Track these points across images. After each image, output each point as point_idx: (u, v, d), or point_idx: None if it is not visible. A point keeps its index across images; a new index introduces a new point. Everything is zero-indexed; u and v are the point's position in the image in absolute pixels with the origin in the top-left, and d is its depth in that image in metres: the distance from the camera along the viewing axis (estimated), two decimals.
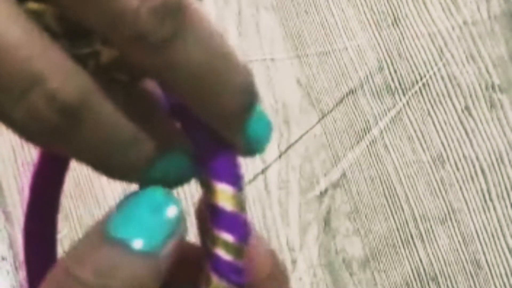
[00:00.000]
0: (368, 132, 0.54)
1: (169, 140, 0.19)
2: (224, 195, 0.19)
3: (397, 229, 0.53)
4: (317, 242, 0.52)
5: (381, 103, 0.55)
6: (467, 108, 0.55)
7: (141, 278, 0.17)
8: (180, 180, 0.19)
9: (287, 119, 0.54)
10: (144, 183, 0.19)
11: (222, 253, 0.18)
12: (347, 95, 0.55)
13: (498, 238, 0.53)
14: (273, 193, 0.52)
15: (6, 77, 0.16)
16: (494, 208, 0.53)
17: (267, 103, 0.54)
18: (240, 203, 0.19)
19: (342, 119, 0.54)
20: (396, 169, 0.54)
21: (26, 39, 0.16)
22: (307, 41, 0.55)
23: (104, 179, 0.53)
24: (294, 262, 0.51)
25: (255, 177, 0.52)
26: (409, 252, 0.53)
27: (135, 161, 0.18)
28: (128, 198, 0.19)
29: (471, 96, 0.55)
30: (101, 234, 0.18)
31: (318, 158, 0.53)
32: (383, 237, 0.53)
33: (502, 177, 0.54)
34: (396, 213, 0.53)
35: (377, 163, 0.54)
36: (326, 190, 0.53)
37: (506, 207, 0.53)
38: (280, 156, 0.53)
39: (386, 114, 0.54)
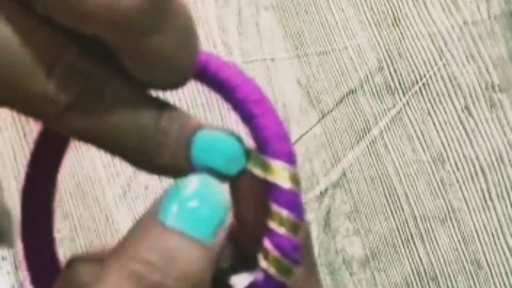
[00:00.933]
0: (368, 132, 0.54)
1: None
2: (282, 172, 0.19)
3: (397, 229, 0.53)
4: (317, 242, 0.52)
5: (381, 103, 0.55)
6: (467, 108, 0.55)
7: (197, 267, 0.18)
8: (231, 159, 0.20)
9: (287, 119, 0.54)
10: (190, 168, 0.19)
11: (282, 230, 0.19)
12: (347, 95, 0.55)
13: (498, 238, 0.53)
14: None
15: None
16: (494, 208, 0.53)
17: None
18: (297, 181, 0.19)
19: (342, 119, 0.54)
20: (396, 169, 0.54)
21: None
22: (307, 41, 0.55)
23: (104, 180, 0.53)
24: None
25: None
26: (409, 252, 0.53)
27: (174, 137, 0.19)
28: (177, 186, 0.19)
29: (471, 96, 0.55)
30: (161, 223, 0.18)
31: (318, 158, 0.53)
32: (383, 237, 0.53)
33: (502, 177, 0.54)
34: (396, 213, 0.53)
35: (377, 163, 0.54)
36: (326, 190, 0.53)
37: (506, 207, 0.53)
38: None
39: (386, 114, 0.54)
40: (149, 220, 0.18)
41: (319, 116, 0.54)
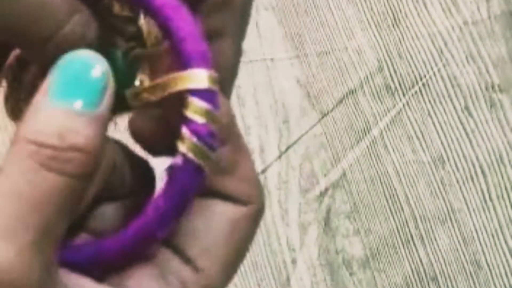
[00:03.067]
0: (368, 132, 0.54)
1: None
2: (198, 74, 0.21)
3: (397, 229, 0.53)
4: (317, 242, 0.52)
5: (381, 103, 0.55)
6: (467, 108, 0.55)
7: (94, 135, 0.19)
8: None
9: (287, 119, 0.54)
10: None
11: (197, 118, 0.20)
12: (347, 95, 0.55)
13: (498, 238, 0.53)
14: (273, 193, 0.52)
15: None
16: (494, 208, 0.53)
17: (267, 103, 0.54)
18: (212, 78, 0.21)
19: (342, 119, 0.54)
20: (396, 169, 0.54)
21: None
22: (307, 41, 0.55)
23: None
24: (294, 262, 0.51)
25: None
26: (409, 252, 0.52)
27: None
28: (60, 64, 0.20)
29: (471, 96, 0.55)
30: (48, 103, 0.19)
31: (318, 158, 0.53)
32: (383, 237, 0.53)
33: (502, 177, 0.54)
34: (396, 213, 0.53)
35: (377, 163, 0.54)
36: (326, 190, 0.53)
37: (506, 207, 0.53)
38: (280, 156, 0.53)
39: (386, 114, 0.54)
40: (35, 102, 0.20)
41: (319, 116, 0.54)
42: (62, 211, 0.19)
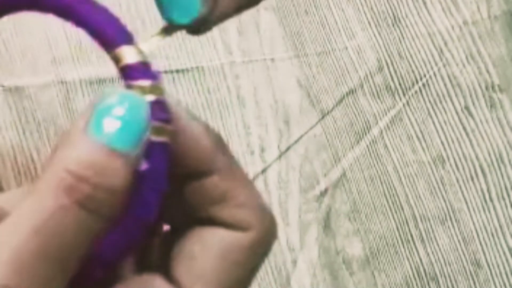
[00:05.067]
0: (368, 132, 0.54)
1: None
2: (127, 52, 0.21)
3: (397, 229, 0.53)
4: (317, 242, 0.52)
5: (381, 103, 0.55)
6: (467, 108, 0.55)
7: (123, 178, 0.19)
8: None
9: (287, 119, 0.54)
10: None
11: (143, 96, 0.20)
12: (347, 95, 0.55)
13: (498, 238, 0.53)
14: (273, 193, 0.52)
15: None
16: (494, 208, 0.53)
17: (267, 103, 0.54)
18: (140, 51, 0.21)
19: (342, 119, 0.54)
20: (396, 169, 0.54)
21: None
22: (307, 41, 0.55)
23: None
24: (294, 262, 0.52)
25: (255, 177, 0.52)
26: (409, 252, 0.53)
27: None
28: (100, 101, 0.20)
29: (471, 96, 0.55)
30: (90, 138, 0.19)
31: (318, 158, 0.53)
32: (383, 237, 0.53)
33: (502, 177, 0.54)
34: (396, 213, 0.53)
35: (377, 163, 0.54)
36: (326, 190, 0.53)
37: (506, 207, 0.53)
38: (280, 156, 0.53)
39: (386, 114, 0.54)
40: (76, 132, 0.19)
41: (319, 116, 0.54)
42: (82, 249, 0.19)
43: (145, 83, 0.20)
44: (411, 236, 0.53)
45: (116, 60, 0.21)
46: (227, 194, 0.22)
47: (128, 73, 0.21)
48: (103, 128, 0.19)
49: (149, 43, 0.22)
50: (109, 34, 0.21)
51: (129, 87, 0.21)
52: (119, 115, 0.19)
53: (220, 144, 0.22)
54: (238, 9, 0.23)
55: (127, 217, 0.20)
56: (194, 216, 0.22)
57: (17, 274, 0.17)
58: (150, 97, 0.20)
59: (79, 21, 0.21)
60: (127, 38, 0.21)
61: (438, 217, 0.53)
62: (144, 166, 0.20)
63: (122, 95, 0.20)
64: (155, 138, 0.20)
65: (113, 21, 0.21)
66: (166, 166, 0.21)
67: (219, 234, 0.22)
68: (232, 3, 0.23)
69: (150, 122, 0.20)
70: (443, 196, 0.53)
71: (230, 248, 0.21)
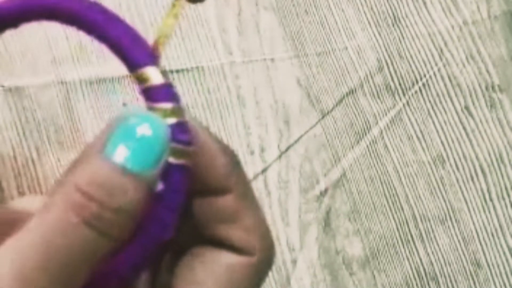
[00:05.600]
0: (368, 132, 0.54)
1: None
2: (152, 73, 0.21)
3: (397, 229, 0.53)
4: (317, 242, 0.52)
5: (381, 103, 0.55)
6: (467, 108, 0.55)
7: (134, 200, 0.19)
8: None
9: (287, 119, 0.54)
10: None
11: (167, 120, 0.20)
12: (347, 95, 0.55)
13: (498, 238, 0.53)
14: (273, 193, 0.52)
15: None
16: (494, 208, 0.53)
17: (267, 103, 0.54)
18: (165, 73, 0.21)
19: (342, 119, 0.54)
20: (396, 169, 0.54)
21: None
22: (307, 41, 0.55)
23: None
24: (294, 262, 0.52)
25: (255, 177, 0.52)
26: (409, 252, 0.53)
27: None
28: (118, 121, 0.20)
29: (471, 96, 0.55)
30: (104, 157, 0.19)
31: (318, 158, 0.53)
32: (383, 237, 0.53)
33: (502, 177, 0.54)
34: (396, 213, 0.53)
35: (377, 163, 0.54)
36: (326, 190, 0.53)
37: (506, 207, 0.53)
38: (280, 156, 0.53)
39: (386, 114, 0.54)
40: (92, 151, 0.19)
41: (319, 116, 0.54)
42: (88, 268, 0.19)
43: (168, 105, 0.20)
44: (411, 236, 0.53)
45: (140, 80, 0.21)
46: (238, 215, 0.22)
47: (151, 94, 0.21)
48: (119, 149, 0.19)
49: (164, 25, 0.22)
50: (135, 54, 0.21)
51: (150, 108, 0.20)
52: (137, 137, 0.19)
53: (236, 164, 0.22)
54: None
55: (144, 234, 0.20)
56: (200, 234, 0.22)
57: (21, 284, 0.18)
58: (172, 120, 0.20)
59: (102, 37, 0.21)
60: (153, 59, 0.21)
61: (438, 217, 0.53)
62: (162, 187, 0.20)
63: (142, 117, 0.20)
64: (175, 161, 0.20)
65: (140, 40, 0.21)
66: (185, 188, 0.21)
67: (224, 257, 0.22)
68: None
69: (169, 145, 0.20)
70: (443, 196, 0.53)
71: (233, 271, 0.21)
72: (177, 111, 0.21)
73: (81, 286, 0.19)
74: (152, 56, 0.21)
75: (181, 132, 0.20)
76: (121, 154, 0.19)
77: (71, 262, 0.18)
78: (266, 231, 0.22)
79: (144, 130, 0.19)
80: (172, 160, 0.20)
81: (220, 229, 0.22)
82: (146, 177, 0.19)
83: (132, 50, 0.21)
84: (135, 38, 0.21)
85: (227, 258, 0.21)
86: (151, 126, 0.19)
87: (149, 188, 0.19)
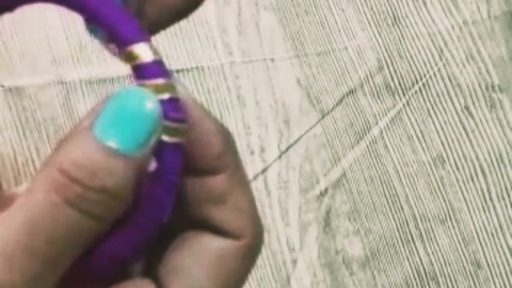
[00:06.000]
0: (368, 132, 0.54)
1: None
2: (142, 50, 0.20)
3: (397, 229, 0.53)
4: (317, 242, 0.52)
5: (381, 103, 0.55)
6: (467, 108, 0.55)
7: (119, 180, 0.18)
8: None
9: (287, 119, 0.54)
10: None
11: (159, 96, 0.20)
12: (347, 95, 0.55)
13: (498, 238, 0.53)
14: (273, 193, 0.52)
15: None
16: (494, 208, 0.53)
17: (267, 103, 0.54)
18: (155, 50, 0.20)
19: (342, 119, 0.54)
20: (396, 169, 0.54)
21: None
22: (307, 41, 0.55)
23: None
24: (294, 262, 0.52)
25: (255, 177, 0.52)
26: (409, 252, 0.53)
27: None
28: (109, 100, 0.19)
29: (471, 96, 0.55)
30: (91, 137, 0.18)
31: (318, 158, 0.53)
32: (383, 237, 0.53)
33: (502, 177, 0.54)
34: (396, 213, 0.53)
35: (377, 163, 0.54)
36: (326, 190, 0.53)
37: (506, 207, 0.53)
38: (280, 156, 0.53)
39: (386, 114, 0.54)
40: (79, 129, 0.19)
41: (319, 116, 0.54)
42: (74, 248, 0.18)
43: (158, 81, 0.20)
44: (411, 236, 0.53)
45: (129, 58, 0.20)
46: (229, 196, 0.21)
47: (141, 72, 0.20)
48: (107, 127, 0.18)
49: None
50: (123, 30, 0.20)
51: (141, 86, 0.20)
52: (126, 114, 0.19)
53: (229, 143, 0.22)
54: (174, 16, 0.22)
55: (141, 215, 0.20)
56: (189, 216, 0.21)
57: (5, 266, 0.17)
58: (164, 96, 0.20)
59: (92, 15, 0.21)
60: (142, 36, 0.20)
61: (438, 217, 0.53)
62: (156, 166, 0.20)
63: (131, 93, 0.19)
64: (168, 139, 0.20)
65: (128, 18, 0.21)
66: (179, 167, 0.20)
67: (213, 241, 0.21)
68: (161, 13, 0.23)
69: (160, 123, 0.19)
70: (443, 196, 0.53)
71: (221, 256, 0.21)
72: (169, 87, 0.20)
73: (69, 265, 0.19)
74: (141, 33, 0.20)
75: (174, 109, 0.20)
76: (109, 133, 0.18)
77: (55, 241, 0.18)
78: (256, 214, 0.21)
79: (133, 106, 0.19)
80: (165, 138, 0.20)
81: (210, 210, 0.21)
82: (136, 156, 0.19)
83: (121, 27, 0.20)
84: (124, 15, 0.20)
85: (216, 242, 0.21)
86: (140, 102, 0.19)
87: (139, 167, 0.19)
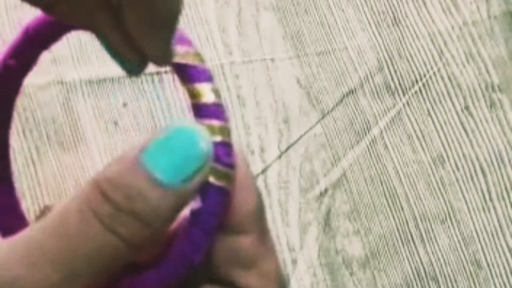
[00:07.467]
0: (368, 132, 0.54)
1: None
2: (204, 90, 0.21)
3: (397, 229, 0.53)
4: (317, 242, 0.52)
5: (381, 103, 0.55)
6: (467, 108, 0.55)
7: (163, 209, 0.18)
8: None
9: (287, 119, 0.54)
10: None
11: (213, 138, 0.20)
12: (347, 95, 0.55)
13: (498, 238, 0.53)
14: (273, 193, 0.52)
15: None
16: (494, 208, 0.53)
17: (267, 103, 0.54)
18: (217, 92, 0.21)
19: (342, 119, 0.54)
20: (396, 169, 0.54)
21: None
22: (307, 41, 0.55)
23: None
24: (294, 262, 0.52)
25: (255, 177, 0.52)
26: (409, 252, 0.53)
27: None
28: (164, 130, 0.19)
29: (471, 96, 0.55)
30: (135, 161, 0.19)
31: (318, 158, 0.53)
32: (383, 237, 0.53)
33: (502, 177, 0.54)
34: (396, 213, 0.53)
35: (377, 163, 0.54)
36: (326, 190, 0.53)
37: (506, 207, 0.53)
38: (280, 156, 0.53)
39: (386, 114, 0.54)
40: (128, 151, 0.19)
41: (319, 116, 0.54)
42: (96, 265, 0.18)
43: (216, 123, 0.20)
44: (411, 236, 0.53)
45: (192, 94, 0.21)
46: (256, 260, 0.21)
47: (202, 110, 0.20)
48: (154, 156, 0.19)
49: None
50: (192, 69, 0.21)
51: (198, 124, 0.20)
52: (175, 147, 0.19)
53: (262, 207, 0.22)
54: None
55: (174, 253, 0.20)
56: (211, 271, 0.21)
57: (28, 269, 0.18)
58: (217, 138, 0.20)
59: None
60: (208, 76, 0.21)
61: (438, 217, 0.53)
62: (197, 205, 0.20)
63: (186, 128, 0.19)
64: (215, 181, 0.20)
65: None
66: (221, 211, 0.20)
67: None
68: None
69: (209, 163, 0.19)
70: (443, 196, 0.53)
71: None
72: (225, 130, 0.20)
73: (89, 284, 0.18)
74: (208, 73, 0.21)
75: (226, 153, 0.20)
76: (154, 160, 0.18)
77: (79, 254, 0.18)
78: (281, 278, 0.21)
79: (185, 140, 0.19)
80: (212, 180, 0.20)
81: (237, 272, 0.21)
82: (176, 189, 0.18)
83: (189, 65, 0.21)
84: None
85: None
86: (193, 137, 0.19)
87: (177, 201, 0.19)
